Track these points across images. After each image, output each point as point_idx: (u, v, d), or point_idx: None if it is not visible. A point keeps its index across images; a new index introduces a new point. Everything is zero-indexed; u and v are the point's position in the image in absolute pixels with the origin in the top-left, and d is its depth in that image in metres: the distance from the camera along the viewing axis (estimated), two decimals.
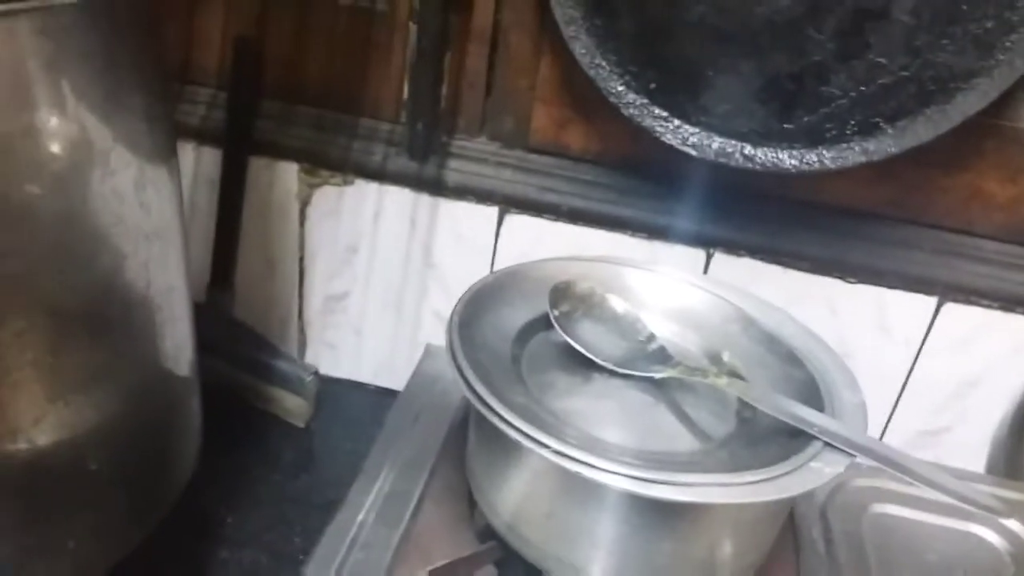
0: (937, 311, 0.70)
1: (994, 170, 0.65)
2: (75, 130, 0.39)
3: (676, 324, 0.54)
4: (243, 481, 0.69)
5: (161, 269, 0.48)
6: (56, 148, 0.39)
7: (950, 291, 0.69)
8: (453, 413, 0.62)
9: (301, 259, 0.79)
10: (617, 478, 0.39)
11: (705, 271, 0.72)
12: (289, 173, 0.76)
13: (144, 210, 0.45)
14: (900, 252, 0.69)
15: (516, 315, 0.52)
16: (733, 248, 0.71)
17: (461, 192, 0.73)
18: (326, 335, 0.82)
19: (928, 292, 0.69)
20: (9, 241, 0.38)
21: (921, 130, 0.59)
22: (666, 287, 0.55)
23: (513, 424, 0.41)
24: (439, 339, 0.78)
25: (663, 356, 0.50)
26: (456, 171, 0.73)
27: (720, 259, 0.71)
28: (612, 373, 0.50)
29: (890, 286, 0.70)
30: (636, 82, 0.63)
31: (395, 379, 0.83)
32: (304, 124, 0.74)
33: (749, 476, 0.40)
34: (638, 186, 0.71)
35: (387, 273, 0.78)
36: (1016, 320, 0.69)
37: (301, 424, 0.76)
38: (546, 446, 0.40)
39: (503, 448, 0.45)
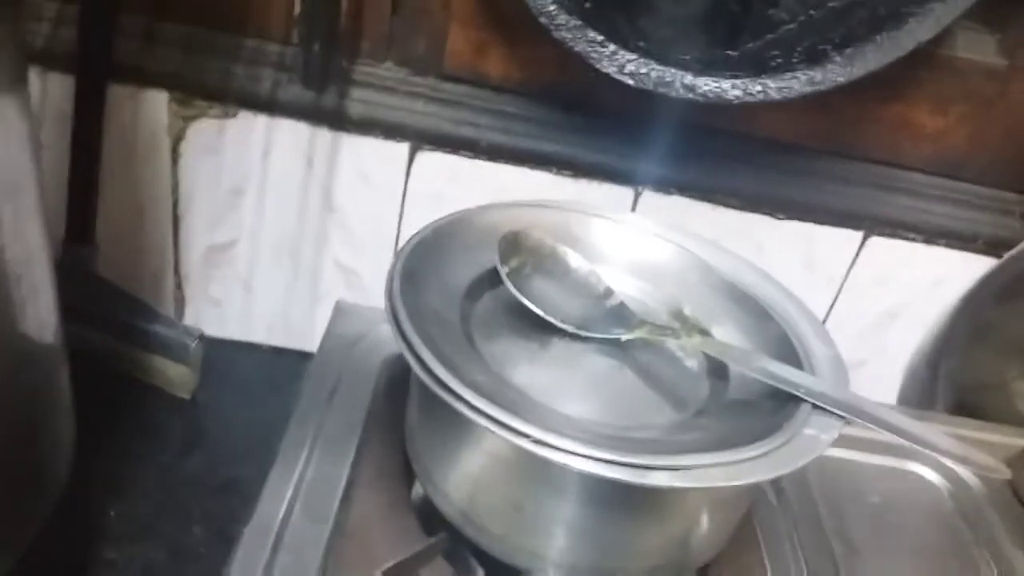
0: (862, 245, 0.69)
1: (925, 100, 0.64)
2: None
3: (631, 276, 0.49)
4: (125, 465, 0.60)
5: (17, 233, 0.38)
6: None
7: (876, 225, 0.68)
8: (375, 380, 0.55)
9: (175, 204, 0.68)
10: (603, 466, 0.34)
11: (633, 209, 0.68)
12: (157, 103, 0.64)
13: None
14: (830, 186, 0.67)
15: (460, 272, 0.45)
16: (663, 186, 0.67)
17: (365, 126, 0.65)
18: (210, 290, 0.73)
19: (855, 227, 0.68)
20: None
21: (871, 58, 0.56)
22: (617, 235, 0.50)
23: (477, 408, 0.35)
24: (343, 292, 0.71)
25: (624, 314, 0.46)
26: (359, 102, 0.64)
27: (648, 197, 0.67)
28: (573, 336, 0.44)
29: (818, 221, 0.68)
30: (569, 2, 0.56)
31: (292, 337, 0.74)
32: (174, 44, 0.63)
33: (746, 452, 0.36)
34: (564, 119, 0.65)
35: (280, 219, 0.69)
36: (937, 252, 0.69)
37: (187, 395, 0.67)
38: (520, 433, 0.34)
39: (459, 431, 0.39)
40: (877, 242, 0.69)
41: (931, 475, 0.59)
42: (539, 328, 0.44)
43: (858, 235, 0.68)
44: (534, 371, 0.42)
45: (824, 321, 0.72)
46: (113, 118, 0.64)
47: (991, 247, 0.68)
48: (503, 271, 0.44)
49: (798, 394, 0.39)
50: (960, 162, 0.66)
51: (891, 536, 0.54)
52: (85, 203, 0.64)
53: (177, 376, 0.66)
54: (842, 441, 0.58)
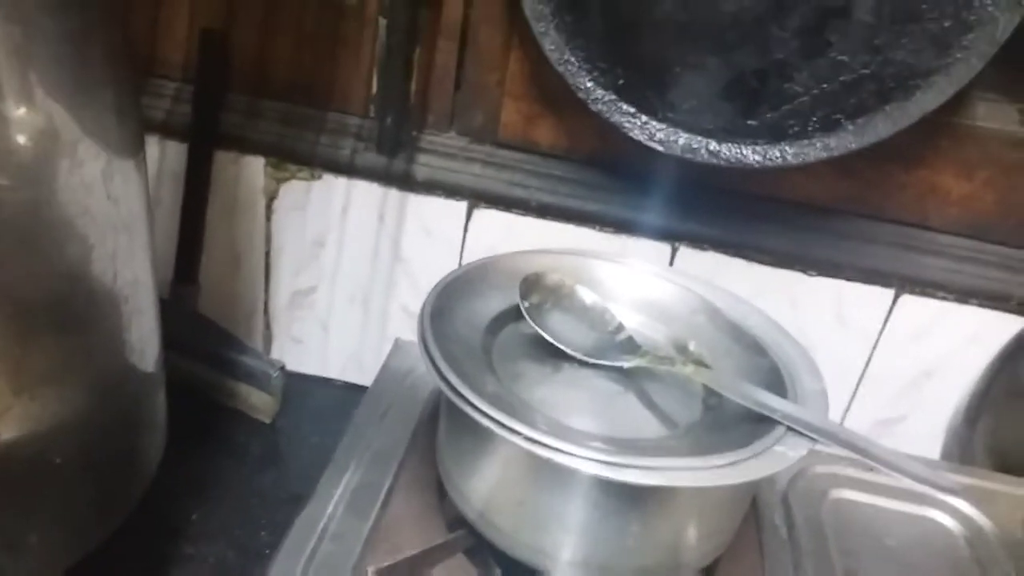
0: (894, 303, 0.72)
1: (950, 166, 0.67)
2: (42, 119, 0.39)
3: (644, 315, 0.55)
4: (208, 477, 0.68)
5: (127, 261, 0.48)
6: (23, 138, 0.38)
7: (907, 283, 0.71)
8: (422, 407, 0.62)
9: (267, 254, 0.79)
10: (587, 463, 0.39)
11: (671, 264, 0.73)
12: (256, 167, 0.75)
13: (112, 202, 0.45)
14: (858, 246, 0.71)
15: (486, 306, 0.52)
16: (697, 242, 0.72)
17: (430, 187, 0.74)
18: (292, 330, 0.82)
19: (885, 284, 0.71)
20: None
21: (881, 126, 0.60)
22: (634, 279, 0.56)
23: (485, 412, 0.41)
24: (407, 334, 0.79)
25: (631, 346, 0.51)
26: (425, 166, 0.73)
27: (685, 252, 0.72)
28: (581, 363, 0.50)
29: (848, 279, 0.71)
30: (604, 78, 0.64)
31: (362, 374, 0.83)
32: (271, 118, 0.74)
33: (715, 460, 0.41)
34: (606, 181, 0.72)
35: (355, 268, 0.78)
36: (970, 311, 0.71)
37: (267, 420, 0.76)
38: (518, 433, 0.40)
39: (474, 437, 0.46)
40: (909, 300, 0.71)
41: (948, 521, 0.61)
42: (553, 356, 0.51)
43: (889, 292, 0.71)
44: (544, 391, 0.48)
45: (860, 377, 0.75)
46: (218, 179, 0.76)
47: None
48: (523, 305, 0.51)
49: (774, 416, 0.44)
50: (988, 224, 0.69)
51: None
52: (191, 249, 0.75)
53: (260, 402, 0.75)
54: (861, 485, 0.62)
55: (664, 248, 0.73)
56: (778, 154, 0.63)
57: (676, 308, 0.55)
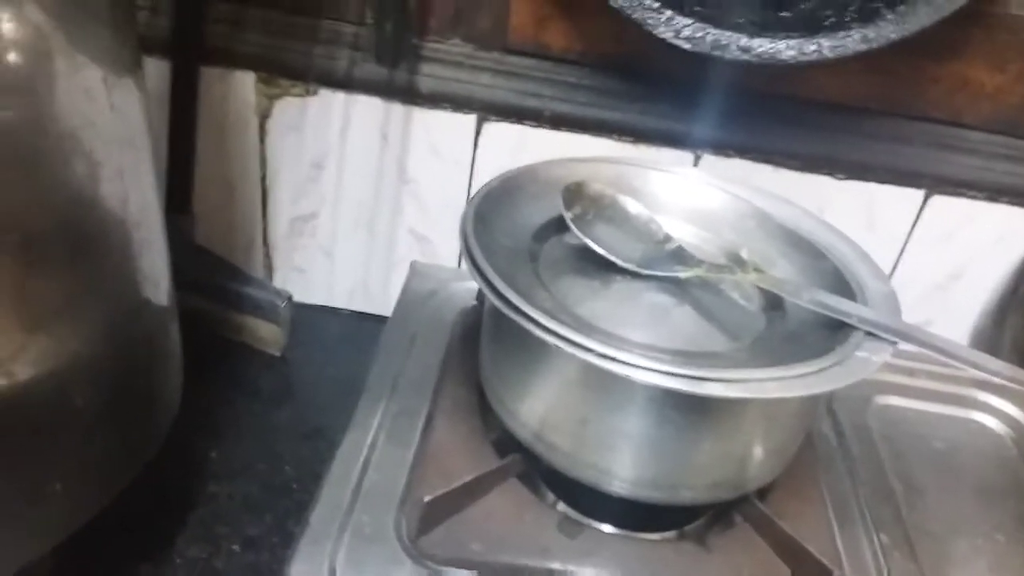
0: (924, 204, 0.70)
1: (982, 58, 0.64)
2: (32, 30, 0.34)
3: (690, 224, 0.52)
4: (223, 414, 0.65)
5: (135, 182, 0.43)
6: (15, 48, 0.33)
7: (937, 184, 0.69)
8: (450, 329, 0.59)
9: (263, 178, 0.74)
10: (667, 378, 0.37)
11: None
12: (245, 84, 0.70)
13: (116, 113, 0.40)
14: (889, 146, 0.68)
15: (527, 218, 0.49)
16: (721, 149, 0.69)
17: (436, 100, 0.69)
18: (294, 259, 0.78)
19: (915, 185, 0.69)
20: None
21: (923, 14, 0.57)
22: (676, 186, 0.53)
23: (550, 328, 0.38)
24: (416, 258, 0.75)
25: (684, 256, 0.48)
26: (429, 76, 0.68)
27: (708, 160, 0.69)
28: (633, 275, 0.47)
29: (879, 181, 0.69)
30: None
31: (370, 302, 0.79)
32: (259, 28, 0.68)
33: (798, 369, 0.38)
34: (623, 87, 0.68)
35: (357, 191, 0.74)
36: (1000, 210, 0.69)
37: (277, 352, 0.72)
38: (589, 350, 0.37)
39: (531, 354, 0.43)
40: (939, 200, 0.69)
41: (994, 423, 0.60)
42: (601, 268, 0.47)
43: (919, 194, 0.69)
44: (597, 305, 0.45)
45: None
46: (205, 99, 0.70)
47: None
48: (567, 216, 0.47)
49: (849, 321, 0.42)
50: (1019, 119, 0.66)
51: (953, 478, 0.55)
52: (183, 177, 0.70)
53: (268, 335, 0.71)
54: (905, 391, 0.61)
55: (686, 156, 0.69)
56: (814, 48, 0.59)
57: (723, 215, 0.52)
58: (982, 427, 0.60)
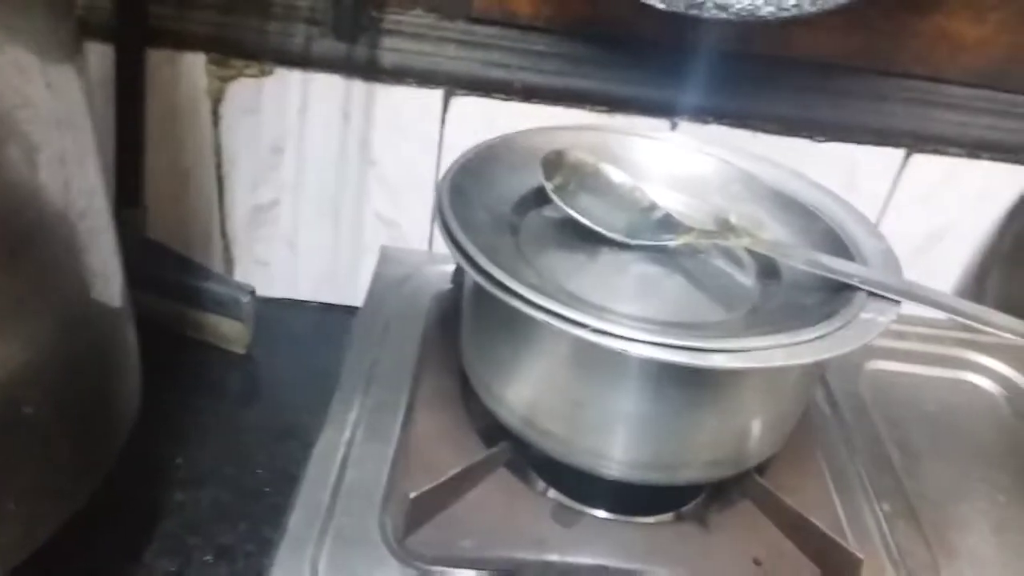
0: (905, 163, 0.68)
1: (963, 9, 0.63)
2: None
3: (675, 191, 0.49)
4: (187, 417, 0.61)
5: (78, 168, 0.39)
6: None
7: (918, 142, 0.67)
8: (425, 315, 0.56)
9: (218, 166, 0.70)
10: (669, 351, 0.34)
11: None
12: (195, 66, 0.65)
13: (52, 92, 0.36)
14: (869, 104, 0.66)
15: (505, 191, 0.46)
16: (699, 115, 0.66)
17: (399, 75, 0.65)
18: (255, 251, 0.74)
19: (896, 144, 0.68)
20: None
21: None
22: (658, 153, 0.51)
23: (537, 304, 0.35)
24: (387, 243, 0.72)
25: (671, 224, 0.46)
26: (391, 50, 0.65)
27: (686, 127, 0.67)
28: (620, 246, 0.45)
29: (859, 142, 0.67)
30: None
31: (338, 293, 0.76)
32: (208, 5, 0.64)
33: (804, 335, 0.36)
34: (596, 54, 0.65)
35: (320, 175, 0.70)
36: (981, 166, 0.68)
37: (241, 350, 0.68)
38: (581, 324, 0.35)
39: (517, 335, 0.40)
40: (920, 159, 0.68)
41: (986, 383, 0.59)
42: (587, 241, 0.45)
43: (900, 153, 0.68)
44: (585, 279, 0.43)
45: None
46: (153, 84, 0.66)
47: None
48: (549, 187, 0.45)
49: (852, 282, 0.40)
50: (1000, 72, 0.65)
51: (950, 441, 0.54)
52: (132, 167, 0.65)
53: (232, 332, 0.67)
54: (895, 355, 0.59)
55: (663, 124, 0.67)
56: (793, 3, 0.57)
57: (709, 180, 0.50)
58: (974, 387, 0.59)
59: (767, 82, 0.65)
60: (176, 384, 0.64)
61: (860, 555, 0.40)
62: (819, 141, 0.67)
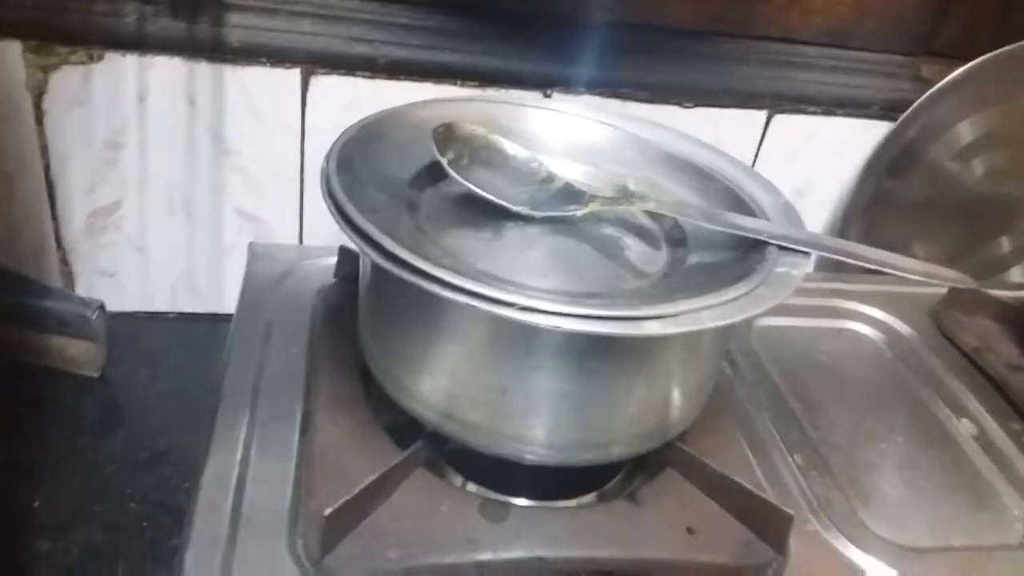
0: (767, 124, 0.70)
1: None
2: None
3: (569, 160, 0.47)
4: (41, 454, 0.54)
5: None
6: None
7: (778, 102, 0.69)
8: (311, 313, 0.52)
9: (47, 168, 0.62)
10: (603, 324, 0.32)
11: None
12: (11, 55, 0.57)
13: None
14: (732, 67, 0.68)
15: (396, 168, 0.42)
16: (571, 86, 0.65)
17: (250, 54, 0.60)
18: (99, 260, 0.66)
19: (758, 106, 0.69)
20: None
21: None
22: (548, 122, 0.48)
23: (457, 285, 0.32)
24: (249, 240, 0.66)
25: (573, 194, 0.44)
26: (239, 27, 0.59)
27: (559, 99, 0.65)
28: (525, 220, 0.42)
29: (724, 105, 0.69)
30: None
31: (199, 300, 0.69)
32: None
33: (727, 294, 0.35)
34: (463, 26, 0.62)
35: (167, 170, 0.63)
36: (837, 123, 0.71)
37: (94, 373, 0.61)
38: (508, 303, 0.32)
39: (432, 322, 0.37)
40: (781, 120, 0.70)
41: (866, 330, 0.61)
42: (489, 216, 0.42)
43: (762, 115, 0.70)
44: (493, 256, 0.40)
45: None
46: None
47: (887, 111, 0.70)
48: (444, 161, 0.42)
49: (760, 238, 0.39)
50: (848, 30, 0.68)
51: (844, 389, 0.56)
52: None
53: (81, 354, 0.59)
54: (782, 309, 0.59)
55: (535, 97, 0.65)
56: None
57: (602, 147, 0.48)
58: (857, 335, 0.61)
59: (634, 51, 0.65)
60: (24, 417, 0.56)
61: (791, 512, 0.40)
62: (687, 107, 0.68)
